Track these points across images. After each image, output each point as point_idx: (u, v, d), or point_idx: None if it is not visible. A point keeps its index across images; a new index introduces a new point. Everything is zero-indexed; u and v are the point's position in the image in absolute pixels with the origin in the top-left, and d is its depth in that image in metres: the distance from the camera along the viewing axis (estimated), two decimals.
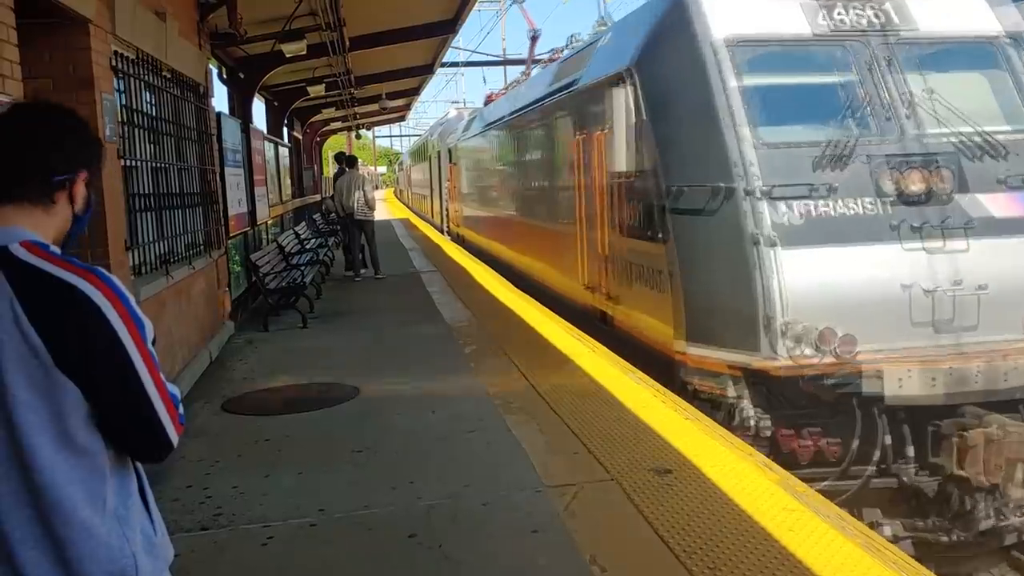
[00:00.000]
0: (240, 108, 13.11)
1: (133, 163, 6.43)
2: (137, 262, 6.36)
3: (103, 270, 1.71)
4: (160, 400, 1.72)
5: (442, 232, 25.46)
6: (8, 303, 1.60)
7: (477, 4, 16.87)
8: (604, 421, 5.61)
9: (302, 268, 11.35)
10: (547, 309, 10.21)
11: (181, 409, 1.81)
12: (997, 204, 6.20)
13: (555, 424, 5.60)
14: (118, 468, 1.75)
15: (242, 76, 13.12)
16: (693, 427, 5.39)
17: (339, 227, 17.15)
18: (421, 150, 36.73)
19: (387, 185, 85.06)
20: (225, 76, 13.17)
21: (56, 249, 1.73)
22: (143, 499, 1.81)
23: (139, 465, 1.83)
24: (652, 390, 6.31)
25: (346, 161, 15.35)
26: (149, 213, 6.81)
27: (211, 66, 10.56)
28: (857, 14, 6.79)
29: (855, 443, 5.80)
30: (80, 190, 1.84)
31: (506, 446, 5.25)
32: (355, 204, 13.90)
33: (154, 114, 7.22)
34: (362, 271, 14.17)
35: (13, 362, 1.60)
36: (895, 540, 5.30)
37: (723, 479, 4.48)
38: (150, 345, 1.73)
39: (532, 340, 8.41)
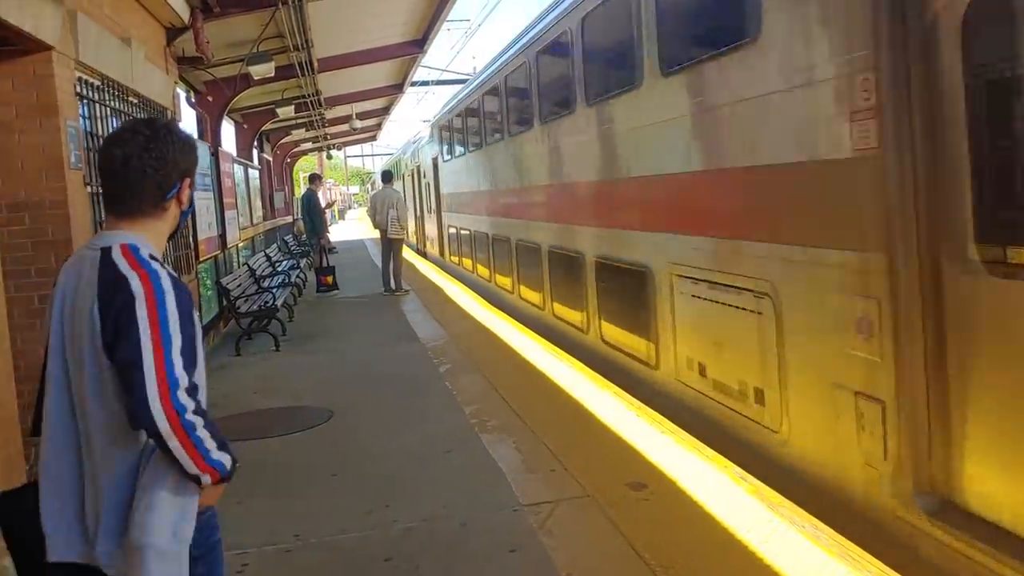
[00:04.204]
0: (209, 131, 13.06)
1: (100, 189, 6.37)
2: None
3: (160, 272, 2.08)
4: (152, 371, 1.97)
5: None
6: (94, 293, 2.04)
7: (446, 24, 16.97)
8: (580, 437, 5.62)
9: (273, 291, 11.27)
10: (519, 324, 10.21)
11: (184, 400, 1.99)
12: None
13: (531, 442, 5.60)
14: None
15: (210, 99, 13.08)
16: (669, 441, 5.41)
17: (310, 248, 17.10)
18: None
19: (360, 205, 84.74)
20: (193, 99, 13.11)
21: (146, 251, 2.12)
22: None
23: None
24: (628, 405, 6.33)
25: (382, 176, 15.56)
26: None
27: (179, 90, 10.51)
28: None
29: None
30: (186, 193, 2.28)
31: (483, 466, 5.24)
32: (387, 222, 14.06)
33: None
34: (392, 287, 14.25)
35: (87, 338, 2.04)
36: None
37: (698, 492, 4.50)
38: (169, 330, 2.02)
39: (507, 358, 8.41)
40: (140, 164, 2.15)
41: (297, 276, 14.71)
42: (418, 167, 22.45)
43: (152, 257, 2.12)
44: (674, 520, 4.19)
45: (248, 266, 12.34)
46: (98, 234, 2.24)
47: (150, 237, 2.18)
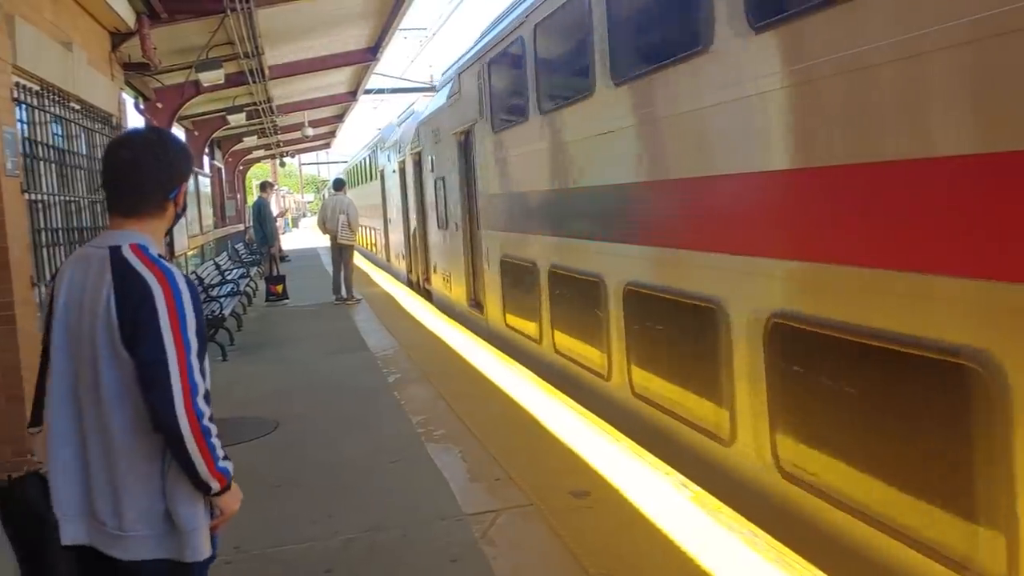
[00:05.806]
0: None
1: (40, 197, 6.25)
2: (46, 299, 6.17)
3: (174, 271, 2.19)
4: (177, 374, 2.05)
5: None
6: (107, 290, 2.12)
7: (403, 32, 16.94)
8: (526, 445, 5.65)
9: (221, 300, 11.14)
10: (471, 333, 10.22)
11: (202, 406, 2.09)
12: None
13: (477, 451, 5.61)
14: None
15: (159, 106, 12.88)
16: (614, 448, 5.45)
17: (260, 257, 16.94)
18: None
19: (314, 214, 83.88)
20: (142, 106, 12.90)
21: (154, 250, 2.22)
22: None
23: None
24: (574, 413, 6.37)
25: (334, 184, 15.45)
26: (59, 248, 6.62)
27: (126, 96, 10.34)
28: None
29: None
30: (182, 196, 2.41)
31: (427, 475, 5.23)
32: (338, 227, 13.99)
33: (64, 146, 7.03)
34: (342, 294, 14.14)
35: (103, 335, 2.10)
36: None
37: (640, 499, 4.55)
38: (188, 334, 2.11)
39: (456, 367, 8.41)
40: (147, 165, 2.31)
41: (247, 285, 14.55)
42: (418, 155, 14.48)
43: (160, 256, 2.25)
44: (615, 527, 4.23)
45: (196, 275, 12.18)
46: (102, 234, 2.35)
47: (153, 236, 2.31)
